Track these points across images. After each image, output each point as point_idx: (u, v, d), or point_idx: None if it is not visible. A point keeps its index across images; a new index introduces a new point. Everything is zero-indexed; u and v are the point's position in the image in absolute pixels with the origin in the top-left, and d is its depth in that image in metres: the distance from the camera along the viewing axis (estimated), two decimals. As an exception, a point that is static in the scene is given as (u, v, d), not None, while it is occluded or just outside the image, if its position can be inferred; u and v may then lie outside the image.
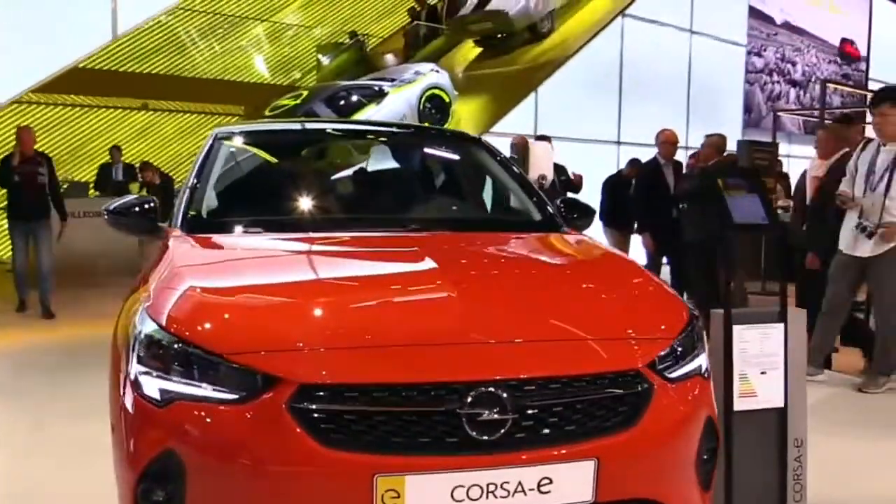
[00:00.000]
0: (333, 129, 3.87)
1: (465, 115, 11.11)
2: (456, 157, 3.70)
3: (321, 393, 1.91)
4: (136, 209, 3.04)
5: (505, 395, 1.93)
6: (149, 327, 2.12)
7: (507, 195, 3.38)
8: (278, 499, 1.89)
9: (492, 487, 1.92)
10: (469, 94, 11.54)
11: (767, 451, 3.02)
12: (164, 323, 2.10)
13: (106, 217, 3.11)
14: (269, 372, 1.93)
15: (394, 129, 4.05)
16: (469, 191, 3.56)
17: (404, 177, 3.67)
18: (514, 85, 11.30)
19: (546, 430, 1.97)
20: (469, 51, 13.28)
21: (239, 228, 2.86)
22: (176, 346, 2.04)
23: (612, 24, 12.14)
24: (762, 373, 3.00)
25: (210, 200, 3.07)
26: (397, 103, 10.25)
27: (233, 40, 14.63)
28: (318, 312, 2.15)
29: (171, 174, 11.24)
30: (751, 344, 2.98)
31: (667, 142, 7.14)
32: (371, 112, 10.00)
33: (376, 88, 10.48)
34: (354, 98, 10.11)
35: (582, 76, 11.65)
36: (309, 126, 3.74)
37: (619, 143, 11.64)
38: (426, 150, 3.79)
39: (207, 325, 2.08)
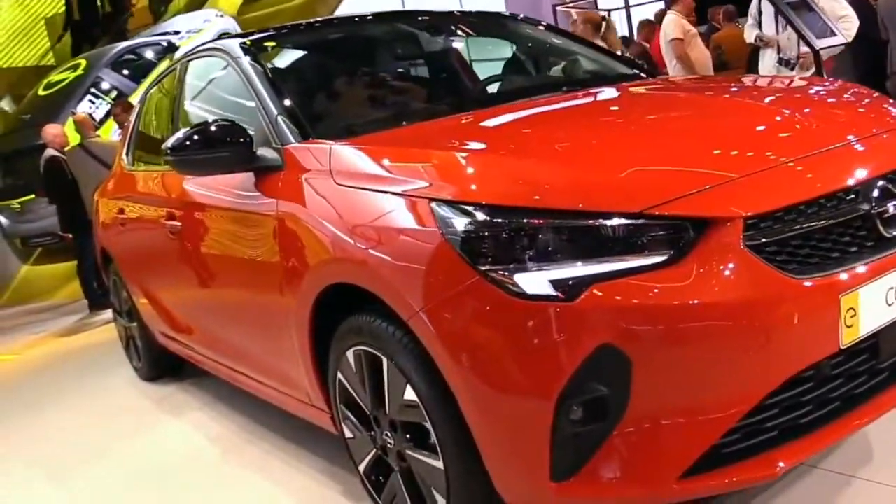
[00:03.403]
0: (390, 20, 3.32)
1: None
2: (521, 31, 3.37)
3: (765, 223, 1.64)
4: (226, 137, 2.34)
5: (892, 186, 1.81)
6: (498, 215, 1.65)
7: (589, 57, 3.15)
8: (756, 351, 1.59)
9: None
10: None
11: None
12: (526, 202, 1.65)
13: (171, 158, 2.39)
14: (706, 215, 1.60)
15: (446, 13, 3.56)
16: (561, 57, 3.25)
17: (496, 53, 3.28)
18: (303, 18, 10.61)
19: None
20: (230, -5, 12.17)
21: (394, 123, 2.35)
22: (558, 222, 1.62)
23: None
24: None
25: (318, 109, 2.48)
26: (191, 56, 9.15)
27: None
28: (681, 149, 1.82)
29: None
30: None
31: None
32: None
33: (164, 44, 9.23)
34: (146, 57, 8.80)
35: (370, 5, 11.25)
36: (360, 20, 3.16)
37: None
38: (494, 28, 3.43)
39: (598, 187, 1.67)
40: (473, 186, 1.77)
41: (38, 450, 3.54)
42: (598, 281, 1.58)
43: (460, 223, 1.69)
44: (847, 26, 5.04)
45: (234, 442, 3.10)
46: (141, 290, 3.73)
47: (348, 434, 2.24)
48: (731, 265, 1.59)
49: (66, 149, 6.70)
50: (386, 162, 2.01)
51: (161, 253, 3.24)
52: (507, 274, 1.62)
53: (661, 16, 8.02)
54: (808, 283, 1.63)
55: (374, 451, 2.14)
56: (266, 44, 2.84)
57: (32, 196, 7.93)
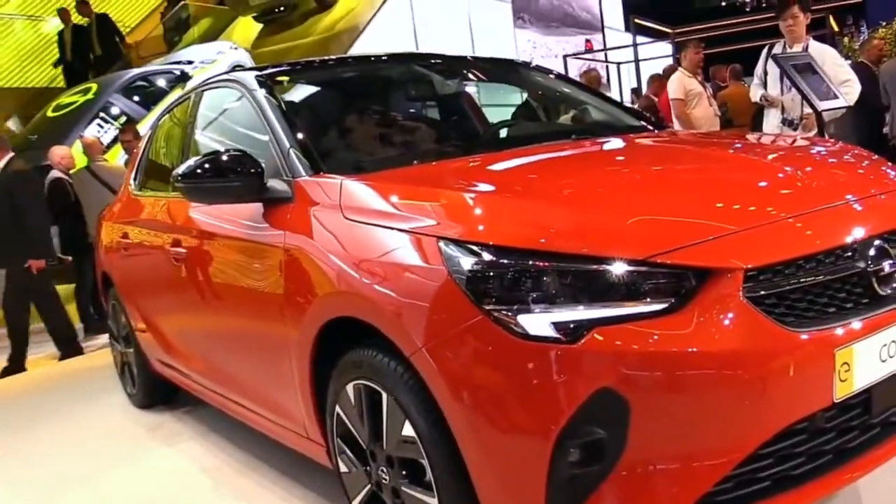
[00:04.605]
0: (405, 61, 3.39)
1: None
2: (533, 78, 3.44)
3: (765, 275, 1.68)
4: (237, 167, 2.39)
5: (888, 245, 1.86)
6: (504, 256, 1.70)
7: (598, 107, 3.22)
8: (752, 401, 1.62)
9: None
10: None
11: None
12: (532, 244, 1.69)
13: (181, 185, 2.43)
14: (708, 266, 1.64)
15: (459, 58, 3.63)
16: (571, 105, 3.32)
17: (507, 99, 3.36)
18: (316, 55, 10.78)
19: None
20: (247, 29, 12.36)
21: (404, 162, 2.40)
22: (562, 265, 1.66)
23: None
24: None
25: (329, 144, 2.53)
26: (203, 86, 9.29)
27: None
28: (684, 200, 1.88)
29: None
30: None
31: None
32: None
33: (177, 73, 9.37)
34: (157, 85, 8.92)
35: (383, 46, 11.42)
36: (375, 59, 3.23)
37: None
38: (506, 74, 3.50)
39: (603, 233, 1.71)
40: (481, 227, 1.81)
41: (26, 474, 3.50)
42: (600, 325, 1.61)
43: (467, 262, 1.72)
44: (848, 90, 5.15)
45: (228, 473, 3.09)
46: (140, 316, 3.74)
47: (343, 469, 2.24)
48: (730, 315, 1.62)
49: (72, 171, 6.76)
50: (395, 199, 2.05)
51: (164, 279, 3.27)
52: (510, 314, 1.65)
53: (670, 71, 8.18)
54: (804, 336, 1.67)
55: (369, 486, 2.14)
56: (281, 78, 2.92)
57: (34, 217, 7.94)
